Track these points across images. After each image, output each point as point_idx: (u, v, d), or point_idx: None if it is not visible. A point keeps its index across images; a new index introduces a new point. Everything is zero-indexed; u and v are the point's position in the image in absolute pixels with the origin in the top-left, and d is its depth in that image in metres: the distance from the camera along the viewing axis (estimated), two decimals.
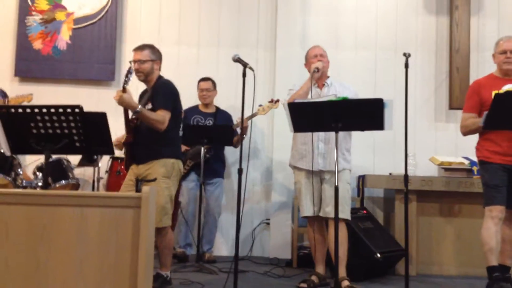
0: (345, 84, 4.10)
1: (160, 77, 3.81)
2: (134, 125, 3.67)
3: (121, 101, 3.49)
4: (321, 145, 3.87)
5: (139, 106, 3.53)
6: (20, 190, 4.03)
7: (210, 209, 5.04)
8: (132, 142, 3.67)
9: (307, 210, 3.92)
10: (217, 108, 5.30)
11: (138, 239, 2.37)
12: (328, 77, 4.09)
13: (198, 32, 5.84)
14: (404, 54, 3.64)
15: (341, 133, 3.64)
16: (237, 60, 3.48)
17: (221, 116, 5.23)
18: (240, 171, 3.33)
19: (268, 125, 5.59)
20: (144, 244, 2.36)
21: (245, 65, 3.45)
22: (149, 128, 3.59)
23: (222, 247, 5.44)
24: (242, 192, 3.32)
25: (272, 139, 5.54)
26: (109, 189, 4.97)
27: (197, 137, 4.75)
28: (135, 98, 3.74)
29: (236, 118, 5.14)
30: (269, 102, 4.89)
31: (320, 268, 4.01)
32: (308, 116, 3.28)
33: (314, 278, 3.97)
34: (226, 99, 5.47)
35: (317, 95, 3.93)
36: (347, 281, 3.76)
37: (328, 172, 3.85)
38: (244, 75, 3.41)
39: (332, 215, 3.61)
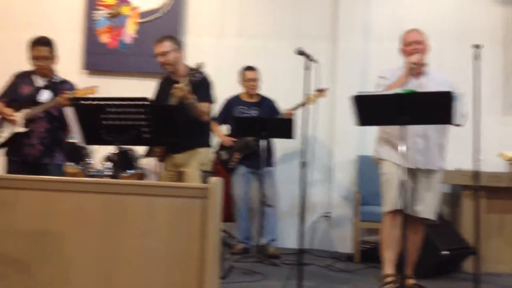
0: (442, 75, 3.74)
1: (192, 69, 3.80)
2: None
3: (181, 91, 3.52)
4: (420, 141, 3.56)
5: (194, 98, 3.59)
6: (92, 179, 4.18)
7: (267, 200, 4.96)
8: None
9: (394, 204, 3.53)
10: (261, 97, 5.20)
11: (205, 228, 2.42)
12: (426, 64, 3.67)
13: (259, 24, 5.85)
14: (474, 46, 3.50)
15: (439, 128, 3.55)
16: (300, 52, 3.46)
17: (266, 104, 5.13)
18: (303, 164, 3.32)
19: (329, 116, 5.53)
20: (211, 234, 2.41)
21: (308, 57, 3.43)
22: (189, 118, 3.65)
23: (283, 239, 5.43)
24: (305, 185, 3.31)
25: (334, 131, 5.49)
26: None
27: (251, 129, 4.70)
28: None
29: (283, 109, 5.06)
30: (317, 91, 4.59)
31: (391, 268, 3.60)
32: (374, 109, 3.21)
33: (389, 279, 3.59)
34: (284, 91, 5.46)
35: (413, 86, 3.49)
36: (413, 279, 3.66)
37: (425, 170, 3.60)
38: (307, 67, 3.39)
39: (423, 214, 3.54)
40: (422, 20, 5.49)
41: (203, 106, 3.70)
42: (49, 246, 2.49)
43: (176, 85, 3.54)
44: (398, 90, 3.22)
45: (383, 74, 3.73)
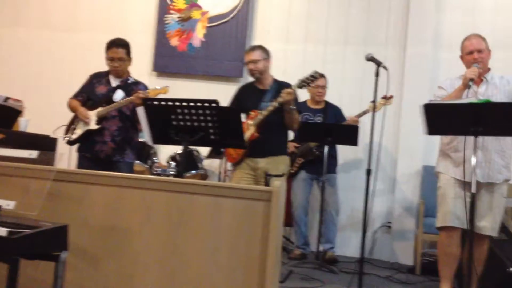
0: (504, 78, 3.52)
1: (274, 79, 3.99)
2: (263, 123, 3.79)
3: (290, 95, 3.65)
4: (479, 153, 3.32)
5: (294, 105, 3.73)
6: (161, 177, 4.31)
7: (327, 206, 4.94)
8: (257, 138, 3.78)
9: (452, 220, 3.40)
10: (326, 103, 5.18)
11: (267, 231, 2.43)
12: (489, 69, 3.53)
13: (326, 29, 5.84)
14: None
15: (502, 139, 3.40)
16: (371, 59, 3.44)
17: (332, 111, 5.12)
18: (368, 172, 3.29)
19: (393, 125, 5.44)
20: (273, 236, 2.42)
21: (378, 64, 3.40)
22: (278, 125, 3.78)
23: (343, 247, 5.38)
24: (369, 194, 3.28)
25: (398, 140, 5.40)
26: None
27: (315, 135, 4.72)
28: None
29: (348, 116, 5.01)
30: (382, 98, 4.50)
31: (447, 286, 3.53)
32: (445, 118, 3.11)
33: None
34: (350, 98, 5.42)
35: (473, 94, 3.39)
36: None
37: (486, 183, 3.42)
38: (377, 74, 3.36)
39: (485, 231, 3.41)
40: (497, 29, 5.32)
41: (297, 114, 3.84)
42: (117, 241, 2.57)
43: (287, 90, 3.66)
44: (473, 100, 3.11)
45: (442, 84, 3.62)
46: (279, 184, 2.50)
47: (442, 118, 3.10)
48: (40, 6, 6.41)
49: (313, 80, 3.75)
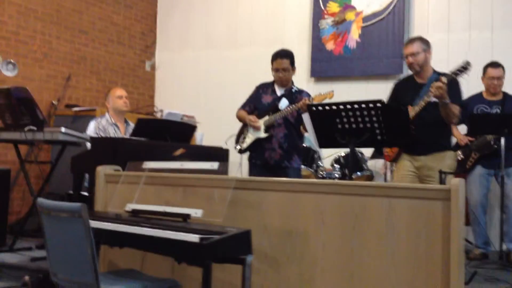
0: None
1: (434, 71, 3.78)
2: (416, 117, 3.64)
3: (441, 90, 3.46)
4: None
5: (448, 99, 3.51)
6: (333, 180, 4.38)
7: (509, 202, 4.57)
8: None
9: None
10: (505, 94, 4.79)
11: (448, 231, 2.33)
12: None
13: (491, 13, 5.43)
14: None
15: None
16: None
17: (510, 102, 4.72)
18: None
19: None
20: (455, 237, 2.31)
21: None
22: (436, 119, 3.59)
23: None
24: None
25: None
26: None
27: (491, 127, 4.41)
28: None
29: None
30: None
31: None
32: None
33: None
34: None
35: None
36: None
37: None
38: None
39: None
40: None
41: (455, 108, 3.61)
42: (295, 245, 2.63)
43: (436, 83, 3.49)
44: None
45: None
46: (458, 182, 2.39)
47: None
48: (204, 28, 6.91)
49: (463, 71, 3.50)
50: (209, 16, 6.89)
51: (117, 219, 2.50)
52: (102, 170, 3.09)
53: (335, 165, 5.26)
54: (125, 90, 4.97)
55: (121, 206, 2.72)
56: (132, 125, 4.59)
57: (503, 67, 4.74)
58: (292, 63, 4.18)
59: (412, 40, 3.84)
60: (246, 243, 2.27)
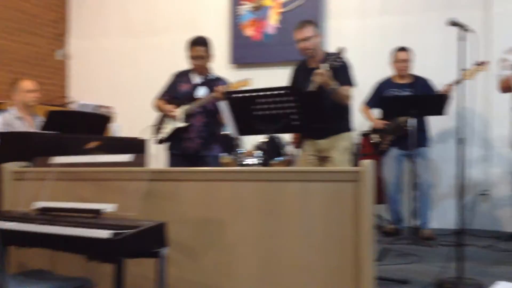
0: None
1: (328, 53, 3.77)
2: None
3: (322, 76, 3.49)
4: None
5: (335, 83, 3.54)
6: (249, 167, 4.39)
7: (421, 181, 4.79)
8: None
9: None
10: (414, 77, 5.00)
11: (359, 211, 2.41)
12: None
13: None
14: None
15: None
16: (453, 23, 3.26)
17: (420, 84, 4.93)
18: (461, 141, 3.15)
19: (487, 89, 5.15)
20: (365, 217, 2.40)
21: (462, 27, 3.21)
22: (331, 103, 3.60)
23: (440, 220, 5.21)
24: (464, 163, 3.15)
25: (492, 104, 5.14)
26: None
27: (401, 109, 4.56)
28: None
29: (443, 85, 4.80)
30: (475, 65, 4.35)
31: None
32: None
33: None
34: (436, 67, 5.19)
35: None
36: None
37: None
38: (461, 39, 3.19)
39: None
40: None
41: (344, 90, 3.64)
42: (212, 233, 2.64)
43: (317, 71, 3.51)
44: None
45: None
46: (367, 163, 2.47)
47: None
48: (121, 15, 6.71)
49: (340, 58, 3.53)
50: (125, 2, 6.69)
51: (24, 218, 2.39)
52: (8, 167, 2.94)
53: (256, 151, 5.29)
54: (35, 81, 4.73)
55: (30, 204, 2.60)
56: (40, 118, 4.38)
57: (410, 50, 4.93)
58: (208, 50, 4.14)
59: (303, 24, 3.77)
60: (161, 236, 2.24)
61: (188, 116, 4.07)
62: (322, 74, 3.47)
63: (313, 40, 3.71)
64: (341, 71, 3.66)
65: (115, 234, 2.03)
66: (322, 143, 3.75)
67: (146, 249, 2.22)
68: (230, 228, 2.62)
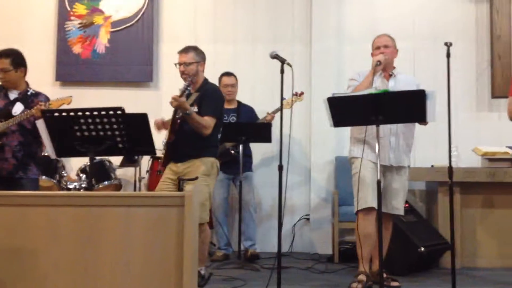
0: (408, 76, 4.06)
1: (206, 81, 3.84)
2: (178, 126, 3.68)
3: (176, 103, 3.50)
4: (392, 139, 3.75)
5: (191, 109, 3.55)
6: (66, 192, 4.14)
7: (246, 204, 4.96)
8: (173, 141, 3.68)
9: (371, 201, 3.62)
10: (239, 103, 5.22)
11: (182, 236, 2.40)
12: (394, 67, 3.93)
13: (234, 29, 5.84)
14: (446, 44, 3.54)
15: (408, 126, 3.75)
16: (275, 56, 3.47)
17: (245, 110, 5.16)
18: (280, 168, 3.33)
19: (306, 119, 5.55)
20: (188, 242, 2.39)
21: (283, 61, 3.43)
22: (191, 129, 3.64)
23: (264, 243, 5.43)
24: (283, 188, 3.32)
25: (311, 133, 5.53)
26: (150, 189, 5.05)
27: (229, 135, 4.69)
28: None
29: (266, 112, 5.05)
30: (294, 95, 4.58)
31: (366, 266, 3.75)
32: (348, 110, 3.24)
33: (362, 277, 3.71)
34: (263, 96, 5.47)
35: (383, 87, 3.72)
36: (385, 273, 3.67)
37: (396, 167, 3.78)
38: (282, 71, 3.39)
39: (396, 211, 3.80)
40: (394, 20, 5.56)
41: (205, 120, 3.62)
42: (24, 263, 2.44)
43: (172, 96, 3.51)
44: (371, 91, 3.26)
45: (353, 76, 3.89)
46: (191, 188, 2.47)
47: (345, 110, 3.23)
48: None
49: (186, 89, 3.61)
50: None
51: None
52: None
53: (81, 174, 5.03)
54: None
55: None
56: None
57: (235, 76, 5.14)
58: (14, 63, 3.82)
59: (186, 50, 3.80)
60: None
61: (2, 135, 3.71)
62: (175, 99, 3.48)
63: (192, 66, 3.73)
64: (205, 100, 3.67)
65: None
66: (180, 166, 3.69)
67: None
68: (44, 258, 2.44)
